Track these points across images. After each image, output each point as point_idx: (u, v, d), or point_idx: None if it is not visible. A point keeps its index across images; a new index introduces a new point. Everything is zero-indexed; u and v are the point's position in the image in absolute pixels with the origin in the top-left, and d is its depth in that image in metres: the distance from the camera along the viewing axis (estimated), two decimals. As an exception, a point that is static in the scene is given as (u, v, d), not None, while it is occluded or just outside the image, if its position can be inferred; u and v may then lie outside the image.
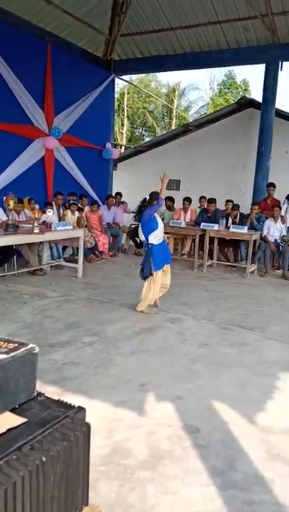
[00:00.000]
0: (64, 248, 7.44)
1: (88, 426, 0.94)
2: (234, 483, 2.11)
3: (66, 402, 1.00)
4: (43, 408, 0.97)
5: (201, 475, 2.15)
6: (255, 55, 8.81)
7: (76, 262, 6.73)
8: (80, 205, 7.93)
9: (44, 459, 0.81)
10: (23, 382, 0.96)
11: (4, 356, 0.92)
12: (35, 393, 1.01)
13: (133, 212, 9.39)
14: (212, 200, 7.96)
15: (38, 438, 0.86)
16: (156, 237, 4.71)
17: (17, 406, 0.96)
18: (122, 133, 23.80)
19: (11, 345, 0.99)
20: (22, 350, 0.96)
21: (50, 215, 6.36)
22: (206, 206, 8.20)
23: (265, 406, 2.91)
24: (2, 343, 1.01)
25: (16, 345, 0.99)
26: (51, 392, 2.49)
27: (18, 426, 0.89)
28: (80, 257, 6.63)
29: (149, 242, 4.71)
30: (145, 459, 2.25)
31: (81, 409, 0.96)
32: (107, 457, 2.24)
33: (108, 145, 9.97)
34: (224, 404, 2.88)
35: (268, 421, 2.71)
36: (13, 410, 0.95)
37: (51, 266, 6.93)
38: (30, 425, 0.90)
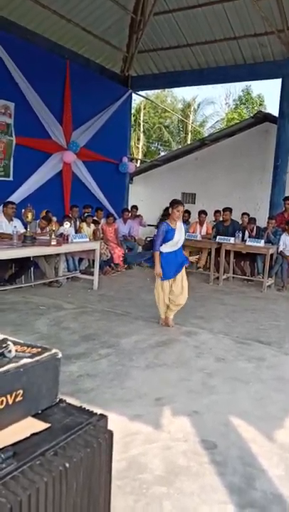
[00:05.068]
0: (80, 260, 7.49)
1: (111, 433, 0.93)
2: (252, 501, 2.05)
3: (88, 409, 0.99)
4: (66, 414, 0.97)
5: (219, 492, 2.10)
6: (271, 70, 8.87)
7: (92, 274, 6.76)
8: (95, 218, 8.00)
9: (67, 465, 0.80)
10: (46, 387, 0.95)
11: (28, 360, 0.92)
12: (58, 399, 1.01)
13: (149, 225, 9.49)
14: (227, 209, 7.93)
15: (62, 444, 0.85)
16: (166, 247, 4.72)
17: (40, 411, 0.96)
18: (138, 147, 24.04)
19: (35, 350, 0.99)
20: (46, 354, 0.96)
21: (68, 227, 6.42)
22: (221, 219, 8.18)
23: (283, 423, 2.84)
24: (25, 347, 1.01)
25: (40, 349, 0.99)
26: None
27: (42, 431, 0.88)
28: (96, 270, 6.66)
29: (161, 249, 4.74)
30: (161, 475, 2.21)
31: (103, 417, 0.95)
32: (123, 471, 2.20)
33: (124, 159, 10.08)
34: (241, 420, 2.82)
35: (286, 438, 2.64)
36: (35, 416, 0.95)
37: (67, 278, 6.97)
38: (53, 431, 0.89)
